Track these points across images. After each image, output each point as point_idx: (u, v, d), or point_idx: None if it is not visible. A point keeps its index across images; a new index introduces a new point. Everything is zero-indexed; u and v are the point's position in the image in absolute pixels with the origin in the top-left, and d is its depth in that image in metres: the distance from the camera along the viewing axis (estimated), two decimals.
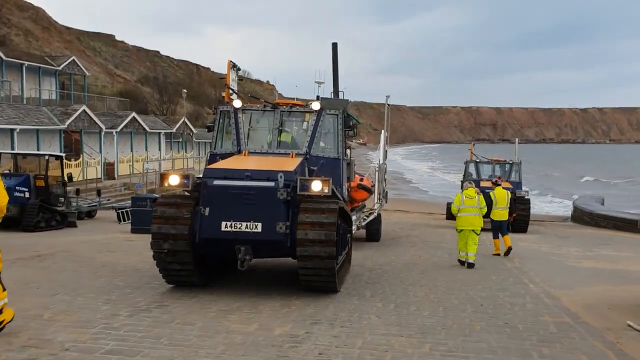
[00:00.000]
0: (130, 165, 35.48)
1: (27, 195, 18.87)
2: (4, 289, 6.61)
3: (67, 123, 29.80)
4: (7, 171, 19.82)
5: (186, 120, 47.13)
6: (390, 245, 18.15)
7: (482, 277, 12.83)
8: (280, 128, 11.51)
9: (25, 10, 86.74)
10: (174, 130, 44.39)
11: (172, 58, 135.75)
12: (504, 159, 29.67)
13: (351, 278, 11.86)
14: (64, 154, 21.49)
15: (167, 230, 9.25)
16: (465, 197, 14.26)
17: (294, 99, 15.34)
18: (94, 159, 33.52)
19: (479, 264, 14.51)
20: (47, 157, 19.79)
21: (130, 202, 19.12)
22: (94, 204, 23.52)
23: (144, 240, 16.97)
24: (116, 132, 35.28)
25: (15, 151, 22.30)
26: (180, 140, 46.82)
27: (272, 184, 9.25)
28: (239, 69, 13.74)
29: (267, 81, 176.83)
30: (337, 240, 9.49)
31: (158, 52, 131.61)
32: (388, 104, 22.35)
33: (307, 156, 11.08)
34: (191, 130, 48.48)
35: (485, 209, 14.60)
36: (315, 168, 10.94)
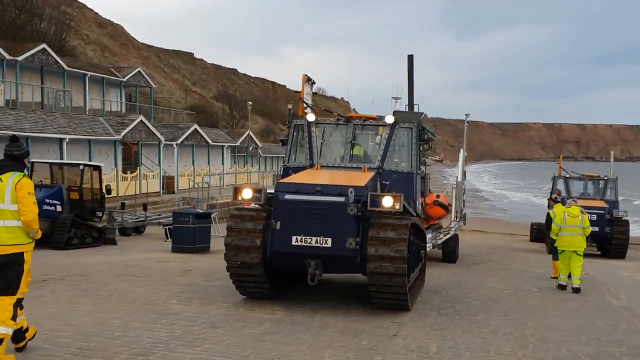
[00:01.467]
0: (190, 179, 33.88)
1: (58, 208, 17.20)
2: (14, 317, 6.20)
3: (122, 134, 28.46)
4: (40, 182, 18.23)
5: (251, 134, 45.41)
6: (466, 273, 15.38)
7: (584, 322, 9.99)
8: (353, 142, 11.40)
9: (105, 27, 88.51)
10: (237, 144, 42.72)
11: (249, 76, 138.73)
12: (597, 174, 26.18)
13: (418, 319, 9.31)
14: (101, 164, 19.79)
15: (240, 243, 9.46)
16: (568, 215, 13.22)
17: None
18: (153, 172, 32.13)
19: (577, 301, 11.67)
20: (81, 167, 18.08)
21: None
22: (141, 219, 21.75)
23: (181, 261, 14.95)
24: (176, 144, 33.84)
25: (50, 160, 20.80)
26: (245, 154, 45.15)
27: (342, 199, 9.17)
28: (313, 83, 13.64)
29: (342, 98, 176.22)
30: (409, 257, 9.39)
31: (235, 70, 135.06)
32: (467, 122, 21.74)
33: (380, 170, 10.91)
34: (256, 144, 46.75)
35: (590, 230, 13.47)
36: (388, 183, 10.68)
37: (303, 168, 11.13)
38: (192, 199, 31.40)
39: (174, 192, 32.65)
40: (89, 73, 37.68)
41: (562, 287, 13.14)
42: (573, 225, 13.19)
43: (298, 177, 10.21)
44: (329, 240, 9.08)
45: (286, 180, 10.18)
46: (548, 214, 16.51)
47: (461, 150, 20.64)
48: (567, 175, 25.69)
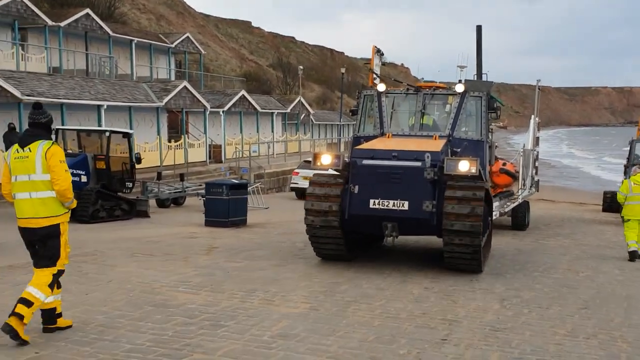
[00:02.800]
0: (237, 148, 32.43)
1: (83, 179, 15.90)
2: (53, 287, 6.02)
3: (165, 100, 27.11)
4: (69, 151, 16.97)
5: (302, 100, 43.52)
6: (533, 250, 13.36)
7: None
8: (423, 111, 11.54)
9: None
10: (288, 111, 40.91)
11: (307, 43, 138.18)
12: None
13: (476, 314, 7.50)
14: (132, 131, 18.45)
15: (319, 207, 9.78)
16: (634, 183, 12.95)
17: (434, 82, 14.14)
18: (199, 140, 30.86)
19: None
20: (107, 134, 16.70)
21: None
22: (179, 190, 20.42)
23: (211, 237, 13.47)
24: (223, 111, 32.33)
25: (76, 127, 19.57)
26: (296, 121, 43.38)
27: (419, 163, 9.46)
28: (382, 54, 13.82)
29: (402, 64, 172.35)
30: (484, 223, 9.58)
31: (293, 38, 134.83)
32: (539, 88, 21.13)
33: (450, 138, 10.99)
34: (308, 111, 44.91)
35: None
36: (459, 150, 10.86)
37: (374, 137, 11.25)
38: (239, 169, 30.00)
39: (221, 162, 31.33)
40: (136, 39, 36.55)
41: (632, 256, 12.53)
42: (639, 193, 12.86)
43: (373, 144, 10.45)
44: (406, 204, 9.34)
45: (362, 146, 10.43)
46: (623, 182, 15.52)
47: (532, 116, 19.97)
48: None
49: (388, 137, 11.12)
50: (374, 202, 9.44)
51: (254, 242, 13.00)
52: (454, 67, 14.21)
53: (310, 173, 26.25)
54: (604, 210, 26.01)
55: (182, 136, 28.36)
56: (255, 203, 21.86)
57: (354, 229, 10.15)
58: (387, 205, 9.39)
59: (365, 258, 11.28)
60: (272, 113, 39.23)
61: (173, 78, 40.56)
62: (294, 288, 8.62)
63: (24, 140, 6.08)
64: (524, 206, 17.35)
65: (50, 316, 6.16)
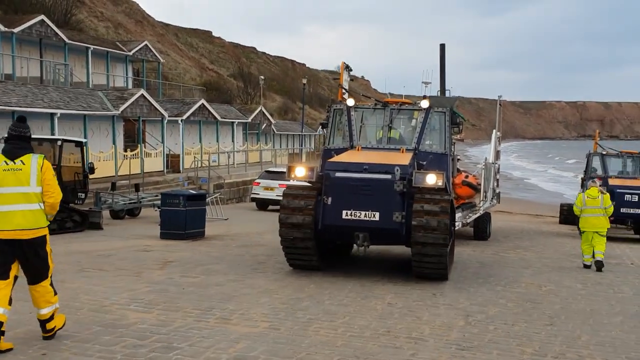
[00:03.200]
0: (196, 157, 31.79)
1: None
2: (55, 293, 6.35)
3: (121, 109, 26.40)
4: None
5: (264, 110, 43.12)
6: (495, 263, 13.25)
7: None
8: (390, 125, 12.01)
9: (120, 4, 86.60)
10: (249, 120, 40.39)
11: (268, 54, 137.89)
12: (638, 151, 23.72)
13: (441, 332, 7.24)
14: (85, 140, 17.83)
15: (293, 220, 10.08)
16: (587, 197, 13.47)
17: (400, 96, 15.26)
18: (157, 150, 30.18)
19: (635, 303, 9.55)
20: (59, 143, 16.05)
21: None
22: (134, 200, 19.81)
23: (167, 250, 12.95)
24: (182, 120, 31.73)
25: None
26: (257, 131, 42.90)
27: (389, 176, 9.90)
28: (351, 70, 14.39)
29: (362, 76, 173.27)
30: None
31: (254, 48, 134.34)
32: (500, 104, 22.31)
33: (416, 151, 11.45)
34: (269, 121, 44.52)
35: (612, 209, 13.72)
36: (424, 163, 11.33)
37: (344, 149, 11.63)
38: (198, 179, 29.47)
39: (179, 171, 30.70)
40: (92, 46, 35.67)
41: (586, 267, 13.21)
42: (593, 206, 13.38)
43: (345, 157, 10.83)
44: (377, 215, 9.73)
45: (335, 159, 10.71)
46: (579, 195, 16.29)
47: (494, 131, 20.63)
48: (604, 152, 23.27)
49: (357, 149, 11.49)
50: (347, 213, 9.81)
51: (211, 255, 12.57)
52: (414, 80, 15.42)
53: (271, 183, 26.49)
54: (561, 222, 26.28)
55: (139, 145, 27.69)
56: (214, 214, 21.41)
57: (327, 239, 10.57)
58: (358, 216, 9.80)
59: (328, 272, 10.99)
60: (233, 122, 38.68)
61: (130, 86, 39.76)
62: (253, 305, 8.25)
63: (12, 152, 6.08)
64: (486, 217, 17.93)
65: None
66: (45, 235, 6.21)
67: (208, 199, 21.94)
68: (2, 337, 5.97)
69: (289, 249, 10.56)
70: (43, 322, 6.29)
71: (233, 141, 38.27)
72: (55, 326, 6.37)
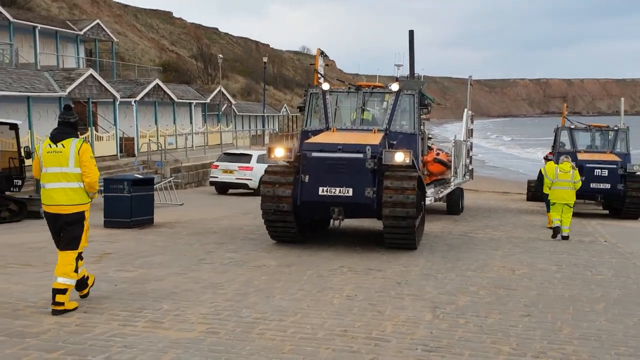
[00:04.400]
0: (151, 140, 30.36)
1: None
2: (76, 270, 6.80)
3: (68, 90, 24.84)
4: None
5: (223, 90, 41.57)
6: (463, 245, 12.43)
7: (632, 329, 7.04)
8: (363, 107, 12.80)
9: None
10: (208, 101, 38.84)
11: (231, 35, 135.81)
12: (607, 124, 23.15)
13: (406, 329, 6.31)
14: (19, 122, 16.48)
15: (274, 194, 10.86)
16: (560, 170, 14.20)
17: (361, 76, 17.39)
18: (109, 133, 28.70)
19: (616, 285, 8.77)
20: None
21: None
22: None
23: (108, 240, 11.75)
24: (135, 101, 30.24)
25: None
26: (218, 112, 41.42)
27: (361, 155, 10.69)
28: (326, 56, 15.12)
29: (326, 56, 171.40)
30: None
31: (217, 29, 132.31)
32: (471, 84, 23.10)
33: (387, 132, 12.16)
34: (229, 101, 43.07)
35: (580, 184, 14.58)
36: (395, 142, 12.05)
37: (320, 131, 12.33)
38: (153, 163, 28.13)
39: (134, 155, 29.29)
40: (39, 25, 33.74)
41: (554, 231, 13.98)
42: (564, 180, 14.12)
43: (321, 138, 11.58)
44: (350, 190, 10.54)
45: (311, 140, 11.49)
46: (540, 171, 17.96)
47: (465, 110, 21.23)
48: (572, 126, 22.62)
49: (333, 131, 12.20)
50: (323, 189, 10.60)
51: (156, 245, 11.49)
52: (379, 59, 16.77)
53: (230, 166, 25.33)
54: (528, 199, 25.76)
55: (89, 128, 26.24)
56: (167, 199, 20.27)
57: (305, 214, 11.41)
58: (334, 192, 10.58)
59: (282, 260, 10.03)
60: (191, 103, 37.09)
61: (83, 67, 37.99)
62: (192, 303, 7.22)
63: (56, 137, 6.82)
64: (458, 193, 18.78)
65: (81, 285, 7.09)
66: (84, 212, 6.85)
67: (161, 184, 20.81)
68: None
69: (270, 222, 11.32)
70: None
71: (191, 123, 36.81)
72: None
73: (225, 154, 26.34)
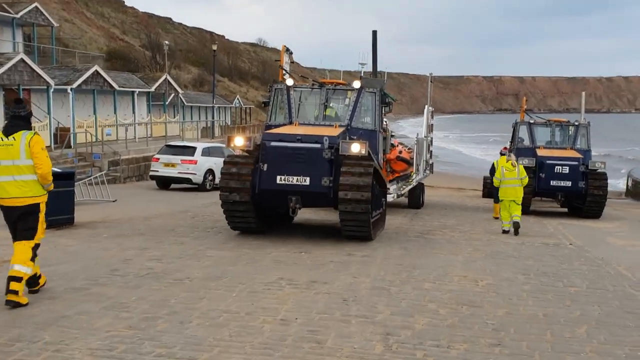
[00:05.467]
0: (87, 130, 28.33)
1: None
2: (33, 261, 6.85)
3: None
4: None
5: (169, 79, 39.56)
6: (421, 248, 11.18)
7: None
8: (326, 104, 13.15)
9: None
10: (152, 90, 36.77)
11: (185, 25, 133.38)
12: (567, 119, 22.29)
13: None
14: None
15: (232, 185, 11.13)
16: (505, 169, 14.60)
17: (324, 71, 18.30)
18: (42, 122, 26.62)
19: (594, 300, 7.58)
20: None
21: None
22: None
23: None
24: (71, 89, 28.18)
25: None
26: (163, 102, 39.37)
27: (319, 145, 10.99)
28: (291, 53, 15.51)
29: (292, 53, 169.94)
30: (371, 196, 11.05)
31: (170, 19, 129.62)
32: (431, 81, 23.93)
33: (349, 127, 12.47)
34: (176, 90, 41.09)
35: (527, 180, 14.89)
36: (355, 137, 12.17)
37: (283, 125, 12.56)
38: (89, 155, 26.22)
39: (70, 147, 27.30)
40: None
41: (505, 232, 14.14)
42: (511, 177, 14.51)
43: (281, 129, 11.96)
44: (308, 179, 10.75)
45: (271, 131, 11.86)
46: (492, 164, 19.21)
47: (426, 106, 21.33)
48: (532, 121, 21.66)
49: (295, 125, 12.38)
50: (280, 178, 10.77)
51: (67, 251, 9.88)
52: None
53: (173, 159, 23.56)
54: (484, 195, 24.92)
55: None
56: (99, 195, 18.54)
57: (264, 203, 11.43)
58: (291, 181, 10.77)
59: (211, 272, 8.57)
60: (134, 92, 34.97)
61: (21, 52, 35.59)
62: (83, 333, 5.72)
63: (8, 130, 6.85)
64: (419, 188, 19.46)
65: (32, 282, 7.03)
66: (39, 204, 6.87)
67: (91, 178, 19.07)
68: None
69: (229, 212, 11.43)
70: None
71: (134, 113, 34.80)
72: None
73: (167, 146, 24.67)
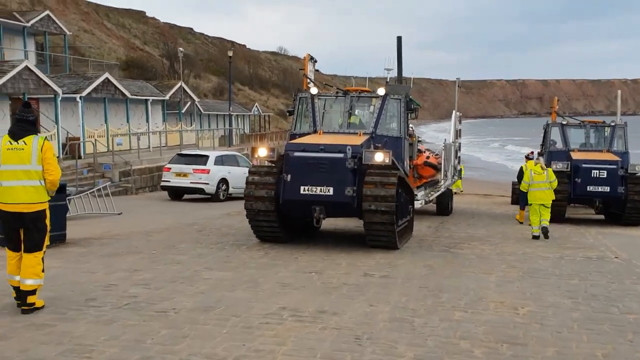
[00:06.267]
0: (97, 140, 27.36)
1: None
2: (43, 270, 6.81)
3: None
4: None
5: (185, 87, 38.54)
6: (448, 266, 9.84)
7: None
8: (350, 111, 13.14)
9: None
10: (167, 98, 35.79)
11: (207, 35, 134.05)
12: (602, 120, 20.79)
13: None
14: None
15: (257, 194, 11.14)
16: (534, 172, 14.39)
17: (364, 79, 17.81)
18: (50, 132, 25.73)
19: None
20: None
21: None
22: None
23: None
24: (81, 97, 27.28)
25: None
26: (179, 110, 38.31)
27: (341, 155, 10.85)
28: (315, 61, 15.32)
29: (304, 57, 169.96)
30: (397, 205, 11.00)
31: (192, 29, 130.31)
32: (459, 86, 24.01)
33: (373, 135, 12.31)
34: (192, 98, 40.07)
35: (556, 183, 14.55)
36: (380, 145, 11.99)
37: (307, 134, 12.46)
38: (100, 165, 25.25)
39: (80, 157, 26.35)
40: None
41: (535, 238, 13.89)
42: (540, 181, 14.30)
43: (305, 139, 11.82)
44: (331, 189, 10.72)
45: (294, 141, 11.76)
46: (520, 168, 19.03)
47: (454, 111, 21.06)
48: (565, 122, 20.22)
49: (319, 134, 12.30)
50: (304, 188, 10.69)
51: (47, 275, 8.67)
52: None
53: (185, 169, 22.36)
54: (513, 202, 23.52)
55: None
56: (103, 208, 17.47)
57: (288, 213, 11.35)
58: (315, 191, 10.69)
59: (205, 299, 7.36)
60: (147, 100, 34.01)
61: (34, 62, 34.91)
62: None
63: (17, 134, 6.67)
64: (447, 194, 18.88)
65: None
66: (45, 210, 6.80)
67: (94, 190, 18.02)
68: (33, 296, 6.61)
69: (254, 222, 11.46)
70: (25, 294, 6.54)
71: (148, 121, 33.82)
72: (34, 302, 6.59)
73: (179, 155, 23.61)
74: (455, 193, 29.19)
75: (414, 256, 10.91)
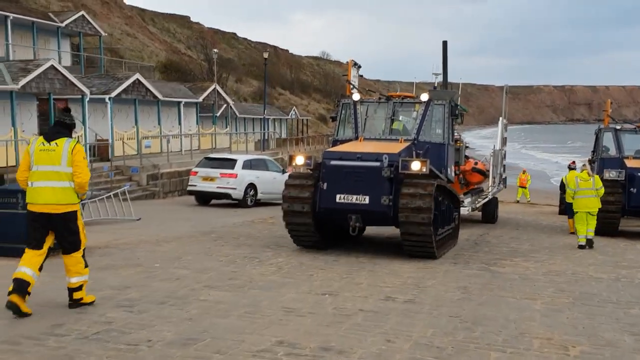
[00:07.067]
0: (126, 143, 26.65)
1: None
2: (86, 266, 7.00)
3: (21, 83, 21.24)
4: None
5: (219, 89, 37.69)
6: (485, 290, 8.51)
7: None
8: (393, 117, 12.86)
9: None
10: (200, 100, 34.97)
11: (250, 40, 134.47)
12: None
13: None
14: None
15: (295, 201, 11.07)
16: (580, 179, 14.02)
17: (411, 84, 18.33)
18: (77, 134, 25.11)
19: None
20: None
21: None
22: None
23: None
24: (110, 98, 26.63)
25: None
26: (213, 113, 37.48)
27: (377, 164, 10.73)
28: (359, 67, 15.49)
29: (347, 62, 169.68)
30: (437, 214, 10.99)
31: (235, 34, 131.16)
32: (506, 92, 23.45)
33: (415, 141, 12.11)
34: (226, 101, 39.18)
35: (603, 191, 14.11)
36: (422, 152, 11.98)
37: (349, 140, 12.49)
38: (127, 168, 24.50)
39: (108, 160, 25.68)
40: (12, 15, 30.34)
41: (582, 247, 13.43)
42: (586, 188, 13.91)
43: (343, 147, 11.89)
44: (367, 198, 10.61)
45: (332, 149, 11.97)
46: (561, 180, 19.33)
47: (500, 118, 20.95)
48: (618, 127, 18.58)
49: (360, 140, 12.29)
50: (340, 197, 10.67)
51: (34, 289, 7.68)
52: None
53: (212, 172, 21.19)
54: (560, 212, 21.87)
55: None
56: (121, 213, 16.56)
57: (324, 221, 11.29)
58: (351, 200, 10.63)
59: (190, 328, 6.21)
60: (179, 102, 33.27)
61: (69, 63, 34.61)
62: None
63: (51, 135, 6.86)
64: (493, 202, 18.65)
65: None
66: (75, 211, 6.87)
67: (111, 193, 17.12)
68: (27, 296, 6.51)
69: (292, 228, 11.42)
70: (71, 291, 6.85)
71: (180, 124, 33.06)
72: (82, 297, 6.88)
73: (206, 158, 22.71)
74: (518, 202, 28.69)
75: (447, 275, 9.60)
